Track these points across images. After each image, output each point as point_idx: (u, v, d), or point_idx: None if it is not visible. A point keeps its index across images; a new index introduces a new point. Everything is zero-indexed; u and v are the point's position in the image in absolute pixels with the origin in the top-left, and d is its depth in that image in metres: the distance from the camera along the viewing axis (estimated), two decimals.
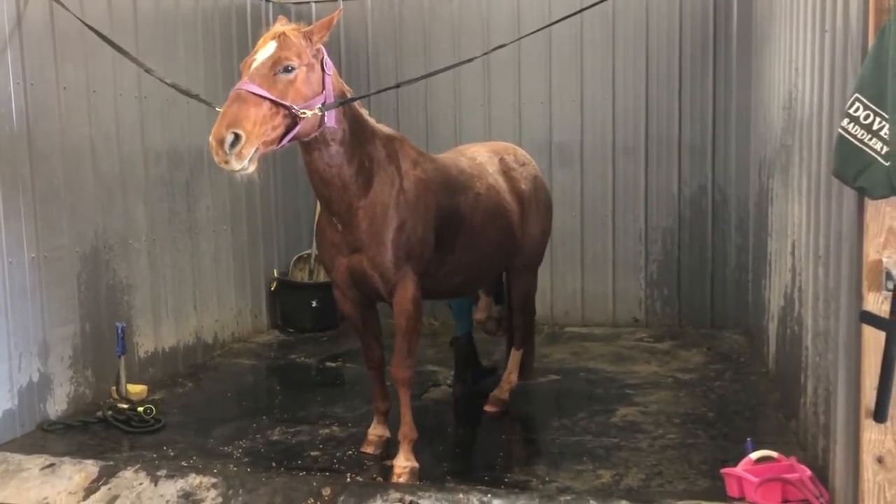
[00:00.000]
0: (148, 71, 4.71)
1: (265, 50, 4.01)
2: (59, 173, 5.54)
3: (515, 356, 5.83)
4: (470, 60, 4.75)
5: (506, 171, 5.47)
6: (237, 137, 3.69)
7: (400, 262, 4.46)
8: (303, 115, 3.96)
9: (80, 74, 5.72)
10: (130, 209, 6.24)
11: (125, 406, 5.60)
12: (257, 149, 3.77)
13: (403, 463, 4.54)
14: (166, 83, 4.73)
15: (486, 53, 5.04)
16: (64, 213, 5.58)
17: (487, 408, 5.61)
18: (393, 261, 4.44)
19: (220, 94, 7.20)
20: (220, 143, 3.68)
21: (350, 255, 4.50)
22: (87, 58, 5.73)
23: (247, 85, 3.84)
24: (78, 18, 5.14)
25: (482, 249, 5.08)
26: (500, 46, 5.00)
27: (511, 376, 5.78)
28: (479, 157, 5.39)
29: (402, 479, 4.43)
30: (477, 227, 5.01)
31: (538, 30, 5.41)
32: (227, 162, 3.70)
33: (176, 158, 6.78)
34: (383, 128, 4.72)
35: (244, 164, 3.73)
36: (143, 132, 6.36)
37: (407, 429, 4.65)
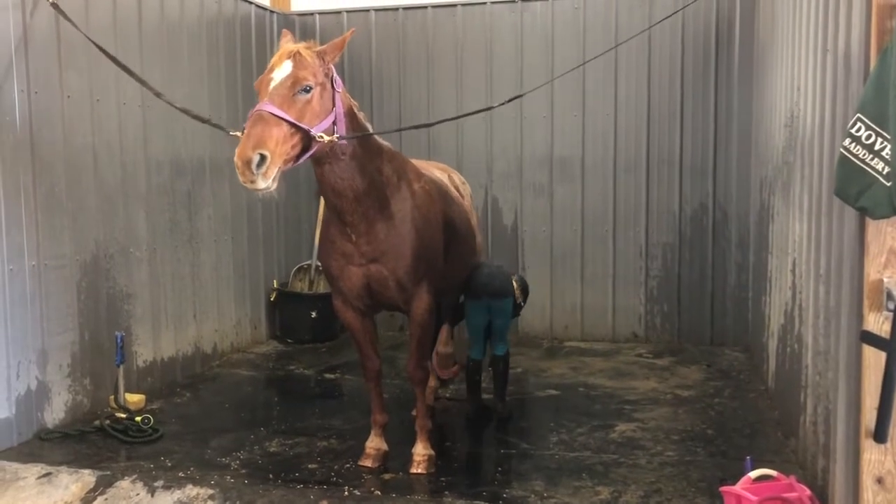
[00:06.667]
0: (158, 95, 4.75)
1: (282, 69, 4.06)
2: (61, 182, 5.54)
3: (448, 329, 6.14)
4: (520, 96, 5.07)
5: (456, 188, 5.79)
6: (263, 158, 3.77)
7: (419, 273, 4.64)
8: (319, 140, 4.05)
9: (84, 83, 5.74)
10: (132, 218, 6.25)
11: (123, 416, 5.59)
12: (279, 167, 3.85)
13: (422, 451, 4.83)
14: (176, 108, 4.77)
15: (518, 97, 5.40)
16: (65, 221, 5.58)
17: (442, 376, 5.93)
18: (413, 272, 4.61)
19: (224, 105, 7.29)
20: (247, 163, 3.74)
21: (367, 264, 4.60)
22: (90, 66, 5.75)
23: (267, 106, 3.90)
24: (89, 39, 5.15)
25: (463, 256, 5.36)
26: (520, 96, 5.38)
27: (446, 347, 6.10)
28: (436, 173, 5.59)
29: (421, 467, 4.75)
30: (461, 235, 5.29)
31: (567, 71, 5.57)
32: (253, 182, 3.77)
33: (178, 168, 6.79)
34: (384, 141, 4.81)
35: (269, 182, 3.82)
36: (145, 141, 6.38)
37: (422, 420, 4.92)
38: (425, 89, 8.36)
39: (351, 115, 4.39)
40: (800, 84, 4.90)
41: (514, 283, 5.78)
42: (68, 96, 5.59)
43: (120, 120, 6.10)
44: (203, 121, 4.80)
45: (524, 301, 5.95)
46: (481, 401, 5.83)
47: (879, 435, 3.13)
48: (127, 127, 6.18)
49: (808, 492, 3.85)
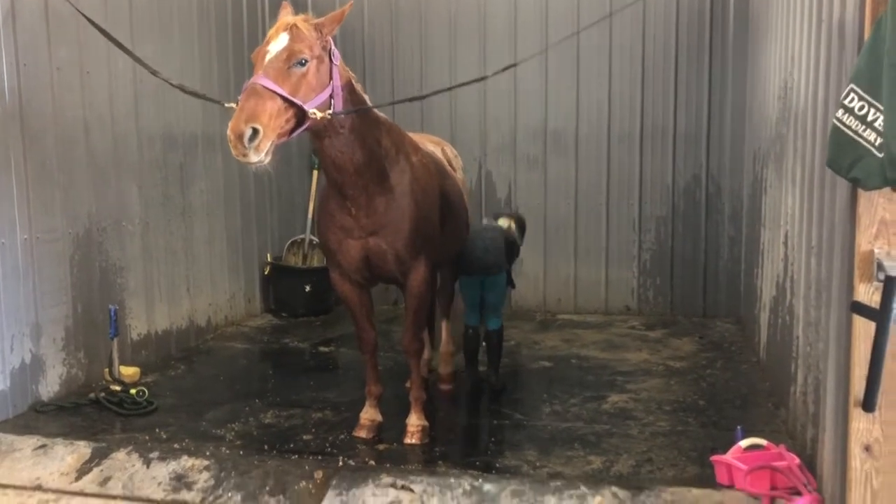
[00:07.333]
0: (154, 73, 4.68)
1: (278, 42, 4.01)
2: (52, 155, 5.50)
3: (448, 327, 6.03)
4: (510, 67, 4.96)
5: (448, 161, 5.75)
6: (255, 132, 3.75)
7: (417, 246, 4.65)
8: (312, 116, 4.02)
9: (74, 55, 5.67)
10: (124, 191, 6.22)
11: (118, 388, 5.60)
12: (272, 141, 3.82)
13: (416, 422, 4.86)
14: (172, 84, 4.70)
15: (512, 65, 5.22)
16: (57, 194, 5.55)
17: (443, 386, 5.78)
18: (411, 245, 4.62)
19: (215, 80, 7.22)
20: (240, 137, 3.72)
21: (367, 237, 4.60)
22: (80, 39, 5.68)
23: (262, 79, 3.86)
24: (83, 15, 5.06)
25: (456, 230, 5.33)
26: (514, 65, 5.12)
27: (448, 347, 5.95)
28: (429, 146, 5.55)
29: (415, 438, 4.78)
30: (455, 209, 5.26)
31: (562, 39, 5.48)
32: (245, 155, 3.75)
33: (170, 141, 6.74)
34: (381, 113, 4.78)
35: (261, 156, 3.80)
36: (137, 114, 6.33)
37: (417, 391, 4.94)
38: (418, 61, 8.30)
39: (349, 88, 4.34)
40: (794, 55, 4.88)
41: (511, 224, 5.79)
42: (58, 68, 5.53)
43: (111, 93, 6.05)
44: (199, 96, 4.76)
45: (521, 239, 5.92)
46: (479, 373, 5.85)
47: (868, 404, 3.16)
48: (118, 100, 6.12)
49: (798, 460, 3.90)
